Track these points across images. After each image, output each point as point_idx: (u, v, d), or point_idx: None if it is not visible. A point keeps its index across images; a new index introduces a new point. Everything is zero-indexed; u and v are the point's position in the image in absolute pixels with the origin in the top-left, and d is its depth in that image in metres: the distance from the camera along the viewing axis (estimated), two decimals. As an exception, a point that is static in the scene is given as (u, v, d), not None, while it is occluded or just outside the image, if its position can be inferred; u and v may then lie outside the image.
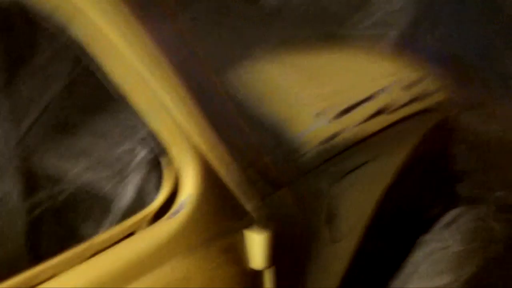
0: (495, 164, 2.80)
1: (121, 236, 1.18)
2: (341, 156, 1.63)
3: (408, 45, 4.15)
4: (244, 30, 2.29)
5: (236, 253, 1.32)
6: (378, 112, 1.77)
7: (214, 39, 2.00)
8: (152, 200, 1.30)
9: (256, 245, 1.33)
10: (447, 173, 2.27)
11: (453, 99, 2.19)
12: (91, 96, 1.28)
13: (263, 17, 2.69)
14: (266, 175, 1.44)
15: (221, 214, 1.30)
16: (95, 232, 1.24)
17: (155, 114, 1.20)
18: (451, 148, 2.29)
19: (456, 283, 1.76)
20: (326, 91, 1.74)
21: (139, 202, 1.32)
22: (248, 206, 1.34)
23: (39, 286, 1.07)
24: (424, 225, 2.02)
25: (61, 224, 1.27)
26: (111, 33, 1.11)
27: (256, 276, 1.36)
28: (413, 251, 1.87)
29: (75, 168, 1.30)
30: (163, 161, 1.25)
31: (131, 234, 1.20)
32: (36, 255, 1.18)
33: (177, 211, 1.23)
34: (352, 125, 1.69)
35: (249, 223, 1.33)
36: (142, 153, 1.32)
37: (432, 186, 2.23)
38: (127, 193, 1.30)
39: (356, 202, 1.70)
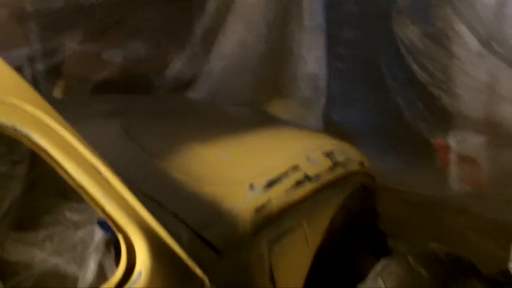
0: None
1: (91, 306, 1.34)
2: (275, 221, 1.83)
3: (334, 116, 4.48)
4: (175, 121, 2.51)
5: (191, 314, 1.49)
6: (304, 179, 1.99)
7: (150, 133, 2.20)
8: (112, 273, 1.47)
9: (208, 307, 1.51)
10: (374, 229, 2.50)
11: (371, 165, 2.44)
12: (50, 191, 1.46)
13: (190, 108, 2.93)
14: (212, 246, 1.63)
15: (175, 279, 1.47)
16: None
17: (109, 201, 1.38)
18: (374, 207, 2.53)
19: (393, 325, 1.91)
20: (256, 166, 1.96)
21: (101, 277, 1.49)
22: (198, 271, 1.52)
23: None
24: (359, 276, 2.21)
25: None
26: (67, 137, 1.32)
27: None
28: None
29: (42, 253, 1.46)
30: (120, 239, 1.43)
31: (99, 303, 1.36)
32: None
33: (136, 281, 1.40)
34: (282, 193, 1.90)
35: (200, 286, 1.51)
36: (99, 234, 1.50)
37: (362, 241, 2.45)
38: (90, 270, 1.47)
39: (294, 261, 1.90)
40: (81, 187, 1.33)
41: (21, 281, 1.46)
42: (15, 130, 1.22)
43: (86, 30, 4.27)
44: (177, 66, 4.61)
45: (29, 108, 1.25)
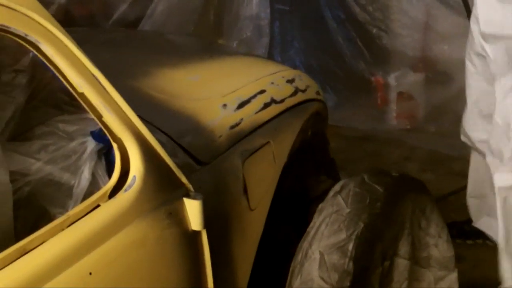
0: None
1: (90, 208, 1.44)
2: (247, 138, 1.97)
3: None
4: (136, 49, 2.58)
5: (179, 217, 1.60)
6: (271, 102, 2.13)
7: (117, 60, 2.28)
8: (104, 182, 1.58)
9: (194, 209, 1.62)
10: (326, 154, 2.67)
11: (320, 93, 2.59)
12: (46, 102, 1.54)
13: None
14: (192, 155, 1.75)
15: (164, 185, 1.59)
16: (62, 212, 1.49)
17: (107, 109, 1.47)
18: (325, 134, 2.70)
19: (350, 237, 2.06)
20: (226, 88, 2.08)
21: (93, 185, 1.60)
22: (183, 179, 1.64)
23: (32, 252, 1.32)
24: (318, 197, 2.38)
25: (34, 207, 1.52)
26: (71, 48, 1.40)
27: (195, 236, 1.66)
28: (313, 218, 2.16)
29: (37, 162, 1.55)
30: (114, 148, 1.53)
31: (97, 206, 1.46)
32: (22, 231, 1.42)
33: (131, 185, 1.51)
34: (252, 113, 2.04)
35: (186, 192, 1.63)
36: (92, 145, 1.60)
37: (317, 166, 2.62)
38: (84, 178, 1.57)
39: (263, 177, 2.04)
40: (82, 95, 1.42)
41: (19, 187, 1.55)
42: (25, 37, 1.29)
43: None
44: (122, 7, 4.62)
45: (38, 18, 1.33)
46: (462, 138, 2.80)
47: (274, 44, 4.73)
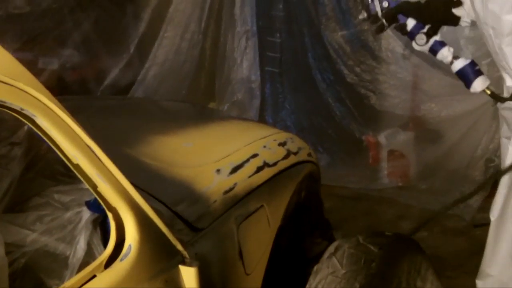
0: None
1: (86, 279, 1.45)
2: (241, 202, 1.99)
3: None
4: (130, 116, 2.62)
5: (175, 284, 1.61)
6: (264, 165, 2.16)
7: (111, 127, 2.30)
8: (99, 251, 1.58)
9: (190, 277, 1.63)
10: (320, 214, 2.69)
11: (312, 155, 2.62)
12: (41, 173, 1.56)
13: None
14: (187, 222, 1.77)
15: (160, 253, 1.59)
16: (59, 283, 1.50)
17: (102, 179, 1.49)
18: (319, 195, 2.72)
19: (347, 299, 2.05)
20: (219, 153, 2.11)
21: (89, 255, 1.60)
22: (179, 246, 1.65)
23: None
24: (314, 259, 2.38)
25: (30, 278, 1.52)
26: (66, 120, 1.43)
27: (192, 303, 1.66)
28: (309, 280, 2.16)
29: (33, 234, 1.56)
30: (110, 217, 1.54)
31: (93, 277, 1.47)
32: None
33: (126, 254, 1.52)
34: (245, 177, 2.06)
35: (182, 259, 1.64)
36: (87, 215, 1.61)
37: (312, 227, 2.63)
38: (80, 248, 1.58)
39: (258, 241, 2.05)
40: (77, 166, 1.44)
41: (15, 259, 1.56)
42: (21, 111, 1.32)
43: (20, 38, 4.29)
44: (114, 73, 4.69)
45: (34, 93, 1.36)
46: None
47: (266, 106, 4.79)
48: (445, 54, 2.19)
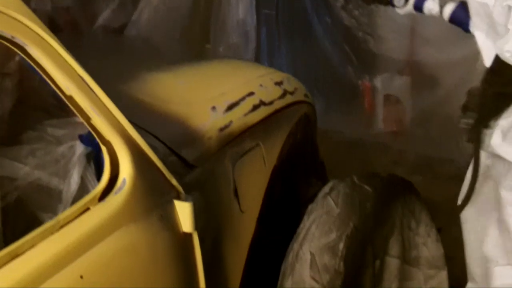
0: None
1: (80, 211, 1.43)
2: (237, 140, 1.97)
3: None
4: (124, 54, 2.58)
5: (170, 220, 1.60)
6: (260, 104, 2.13)
7: (106, 65, 2.27)
8: (93, 186, 1.57)
9: (185, 212, 1.62)
10: (316, 156, 2.68)
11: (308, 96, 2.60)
12: (34, 106, 1.54)
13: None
14: (182, 158, 1.75)
15: (154, 188, 1.58)
16: (52, 216, 1.48)
17: (96, 112, 1.47)
18: (315, 137, 2.70)
19: (341, 238, 2.06)
20: (214, 91, 2.09)
21: (82, 189, 1.59)
22: (174, 181, 1.63)
23: (22, 255, 1.31)
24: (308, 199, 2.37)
25: (23, 212, 1.51)
26: (59, 51, 1.40)
27: (187, 238, 1.65)
28: (303, 219, 2.16)
29: (25, 167, 1.54)
30: (103, 151, 1.52)
31: (87, 209, 1.45)
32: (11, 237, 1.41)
33: (121, 188, 1.50)
34: (241, 115, 2.04)
35: (177, 194, 1.63)
36: (80, 148, 1.59)
37: (307, 168, 2.62)
38: (74, 182, 1.56)
39: (254, 179, 2.04)
40: (70, 98, 1.41)
41: (7, 193, 1.54)
42: (12, 40, 1.29)
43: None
44: (106, 13, 4.60)
45: (25, 21, 1.32)
46: None
47: (261, 49, 4.73)
48: (430, 7, 2.12)
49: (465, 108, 2.11)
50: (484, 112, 2.02)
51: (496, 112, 1.96)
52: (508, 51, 1.81)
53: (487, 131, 2.00)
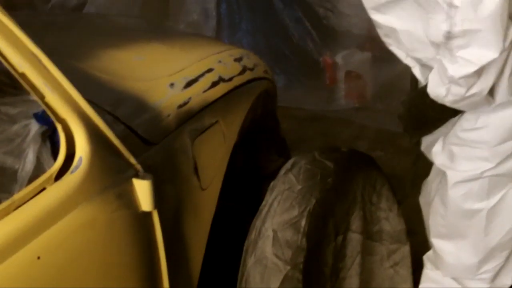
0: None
1: (35, 192, 1.40)
2: (196, 117, 1.95)
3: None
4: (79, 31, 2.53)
5: (128, 198, 1.57)
6: (219, 80, 2.11)
7: (60, 41, 2.22)
8: (49, 165, 1.53)
9: (144, 190, 1.60)
10: (276, 133, 2.67)
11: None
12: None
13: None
14: (139, 135, 1.72)
15: (112, 166, 1.55)
16: (8, 196, 1.44)
17: (49, 89, 1.43)
18: (275, 113, 2.69)
19: (302, 214, 2.06)
20: (172, 67, 2.06)
21: (38, 169, 1.55)
22: (132, 159, 1.61)
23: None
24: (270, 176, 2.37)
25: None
26: (9, 26, 1.36)
27: (146, 217, 1.63)
28: (265, 196, 2.15)
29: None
30: (59, 129, 1.48)
31: (43, 189, 1.42)
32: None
33: (77, 167, 1.47)
34: (200, 92, 2.01)
35: (135, 173, 1.60)
36: (35, 127, 1.55)
37: (268, 145, 2.61)
38: (29, 161, 1.53)
39: (214, 156, 2.02)
40: (23, 75, 1.37)
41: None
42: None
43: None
44: (62, -7, 4.53)
45: (-28, -5, 1.28)
46: None
47: (222, 26, 4.70)
48: None
49: (401, 119, 2.15)
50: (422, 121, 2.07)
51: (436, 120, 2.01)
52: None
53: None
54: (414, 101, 2.05)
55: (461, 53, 1.68)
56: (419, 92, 2.01)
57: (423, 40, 1.86)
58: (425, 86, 1.94)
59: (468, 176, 1.98)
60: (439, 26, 1.71)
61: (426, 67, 1.99)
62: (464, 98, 1.79)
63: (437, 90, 1.83)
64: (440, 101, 1.86)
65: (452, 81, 1.75)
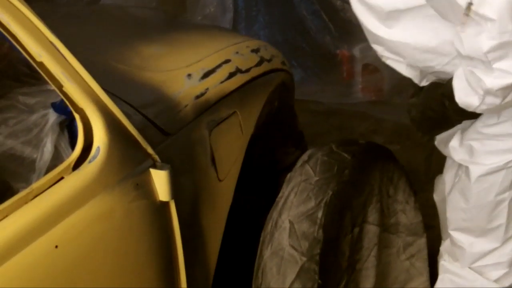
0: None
1: (54, 181, 1.40)
2: (213, 108, 1.94)
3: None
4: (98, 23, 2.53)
5: (146, 188, 1.58)
6: (236, 72, 2.11)
7: (79, 33, 2.22)
8: (67, 155, 1.54)
9: (161, 180, 1.60)
10: (294, 125, 2.66)
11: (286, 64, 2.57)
12: (5, 74, 1.50)
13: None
14: (157, 126, 1.72)
15: (129, 156, 1.56)
16: (25, 186, 1.45)
17: (68, 79, 1.43)
18: (293, 105, 2.68)
19: (319, 205, 2.06)
20: (190, 58, 2.05)
21: (56, 158, 1.56)
22: (149, 149, 1.61)
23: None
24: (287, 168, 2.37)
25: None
26: (28, 15, 1.36)
27: (164, 207, 1.63)
28: (282, 188, 2.15)
29: (-2, 137, 1.51)
30: (77, 119, 1.49)
31: (61, 179, 1.43)
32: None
33: (95, 156, 1.47)
34: (217, 83, 2.01)
35: (152, 163, 1.60)
36: (53, 117, 1.56)
37: (285, 137, 2.61)
38: (47, 151, 1.53)
39: (231, 148, 2.02)
40: (41, 64, 1.38)
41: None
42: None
43: None
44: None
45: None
46: None
47: (239, 19, 4.69)
48: None
49: (414, 121, 2.13)
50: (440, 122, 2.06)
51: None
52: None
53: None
54: (429, 104, 2.03)
55: (497, 64, 1.65)
56: (431, 94, 1.99)
57: (436, 51, 1.84)
58: (434, 87, 1.93)
59: (491, 169, 1.97)
60: (475, 40, 1.67)
61: (429, 73, 1.97)
62: (498, 107, 1.78)
63: (468, 100, 1.80)
64: (471, 109, 1.84)
65: (489, 93, 1.73)
